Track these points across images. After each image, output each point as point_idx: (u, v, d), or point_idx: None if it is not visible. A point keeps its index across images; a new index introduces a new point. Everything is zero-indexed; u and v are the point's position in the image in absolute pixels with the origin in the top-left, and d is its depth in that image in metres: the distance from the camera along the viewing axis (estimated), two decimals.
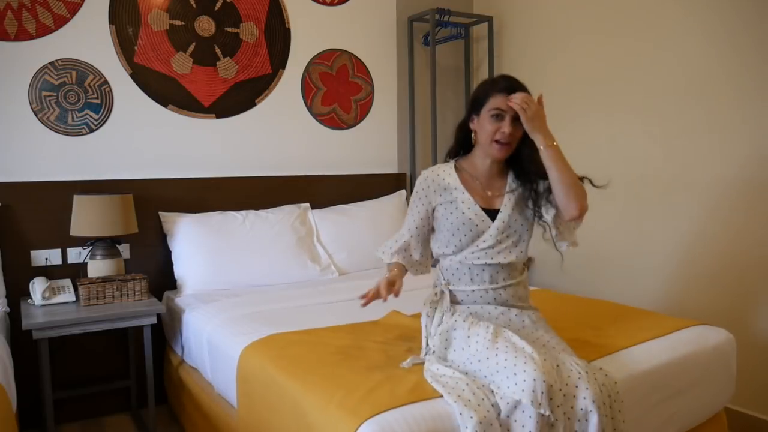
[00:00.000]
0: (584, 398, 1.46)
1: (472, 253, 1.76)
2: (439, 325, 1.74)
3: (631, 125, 2.93)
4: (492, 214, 1.78)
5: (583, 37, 3.15)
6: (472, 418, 1.37)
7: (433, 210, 1.84)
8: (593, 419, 1.45)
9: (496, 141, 1.75)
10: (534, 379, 1.42)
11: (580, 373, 1.50)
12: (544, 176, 1.75)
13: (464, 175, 1.84)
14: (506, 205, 1.79)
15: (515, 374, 1.45)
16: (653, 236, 2.87)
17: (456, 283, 1.80)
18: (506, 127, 1.73)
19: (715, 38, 2.57)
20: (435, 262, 1.92)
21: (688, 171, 2.71)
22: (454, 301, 1.80)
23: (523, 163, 1.80)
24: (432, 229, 1.88)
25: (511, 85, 1.74)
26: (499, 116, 1.73)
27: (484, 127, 1.76)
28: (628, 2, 2.92)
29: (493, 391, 1.47)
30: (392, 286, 1.72)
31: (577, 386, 1.48)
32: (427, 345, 1.75)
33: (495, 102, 1.74)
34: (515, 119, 1.73)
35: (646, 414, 1.75)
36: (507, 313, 1.76)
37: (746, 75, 2.47)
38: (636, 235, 2.95)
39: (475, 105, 1.80)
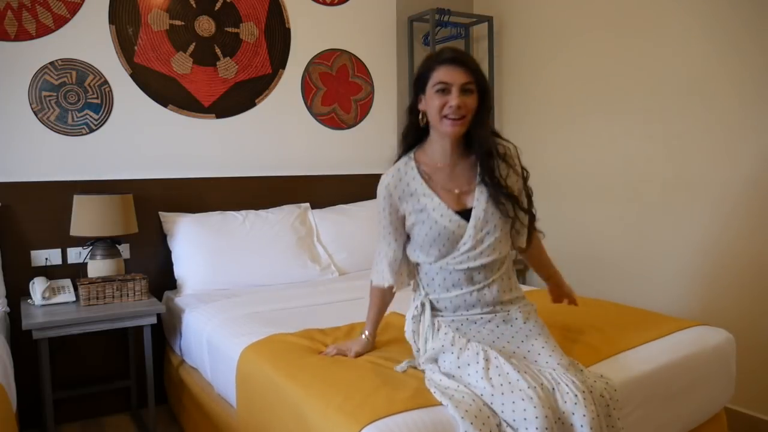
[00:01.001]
0: (581, 426, 1.41)
1: (454, 258, 1.65)
2: (425, 342, 1.66)
3: (632, 125, 2.93)
4: (466, 213, 1.66)
5: (583, 36, 3.14)
6: None
7: (403, 216, 1.72)
8: None
9: (446, 116, 1.60)
10: (537, 417, 1.37)
11: (576, 395, 1.44)
12: (493, 160, 1.65)
13: (427, 170, 1.70)
14: (479, 199, 1.66)
15: (525, 419, 1.39)
16: (653, 236, 2.87)
17: (436, 290, 1.70)
18: (454, 99, 1.58)
19: (715, 37, 2.57)
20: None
21: (688, 171, 2.71)
22: (435, 310, 1.70)
23: (474, 143, 1.67)
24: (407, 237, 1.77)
25: (455, 56, 1.61)
26: (445, 90, 1.59)
27: (431, 104, 1.62)
28: (628, 2, 2.91)
29: (496, 414, 1.43)
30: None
31: (573, 413, 1.42)
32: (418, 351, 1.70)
33: (438, 75, 1.60)
34: (465, 90, 1.59)
35: (647, 415, 1.75)
36: (494, 320, 1.66)
37: (748, 74, 2.47)
38: (636, 235, 2.95)
39: (419, 83, 1.66)
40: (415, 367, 1.68)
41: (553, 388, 1.46)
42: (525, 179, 1.76)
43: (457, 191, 1.69)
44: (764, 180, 2.45)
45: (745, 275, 2.53)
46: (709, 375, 1.97)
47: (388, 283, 1.76)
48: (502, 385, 1.45)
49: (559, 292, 1.98)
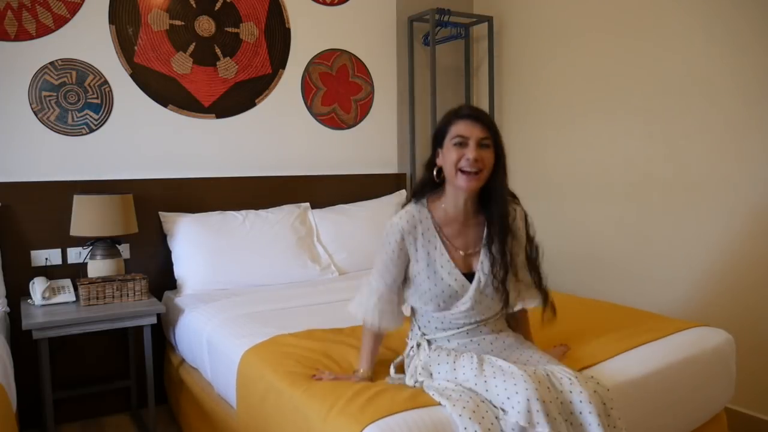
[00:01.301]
0: (580, 402, 1.45)
1: (452, 313, 1.69)
2: (419, 361, 1.68)
3: (632, 125, 2.93)
4: (470, 275, 1.69)
5: (584, 36, 3.14)
6: (476, 430, 1.37)
7: (408, 261, 1.71)
8: (593, 420, 1.45)
9: (461, 170, 1.60)
10: (528, 399, 1.40)
11: (570, 378, 1.49)
12: (506, 225, 1.67)
13: (439, 222, 1.71)
14: (483, 263, 1.68)
15: (508, 398, 1.42)
16: (653, 236, 2.87)
17: (433, 332, 1.73)
18: (471, 152, 1.58)
19: (717, 36, 2.57)
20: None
21: (688, 171, 2.71)
22: (430, 344, 1.72)
23: (491, 204, 1.67)
24: (405, 279, 1.75)
25: (473, 112, 1.63)
26: (462, 143, 1.60)
27: (448, 157, 1.62)
28: (628, 2, 2.91)
29: (495, 407, 1.45)
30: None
31: (571, 391, 1.47)
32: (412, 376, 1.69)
33: (457, 129, 1.61)
34: (482, 145, 1.60)
35: (648, 416, 1.75)
36: (485, 342, 1.70)
37: (751, 73, 2.46)
38: (636, 235, 2.95)
39: (438, 137, 1.68)
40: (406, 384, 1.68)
41: (548, 374, 1.51)
42: (532, 243, 1.75)
43: (462, 253, 1.70)
44: (765, 180, 2.45)
45: (745, 276, 2.53)
46: (709, 376, 1.97)
47: (374, 325, 1.73)
48: (494, 372, 1.50)
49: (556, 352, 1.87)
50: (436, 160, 1.69)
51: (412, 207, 1.73)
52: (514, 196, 1.74)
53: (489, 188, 1.66)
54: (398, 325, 1.77)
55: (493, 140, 1.63)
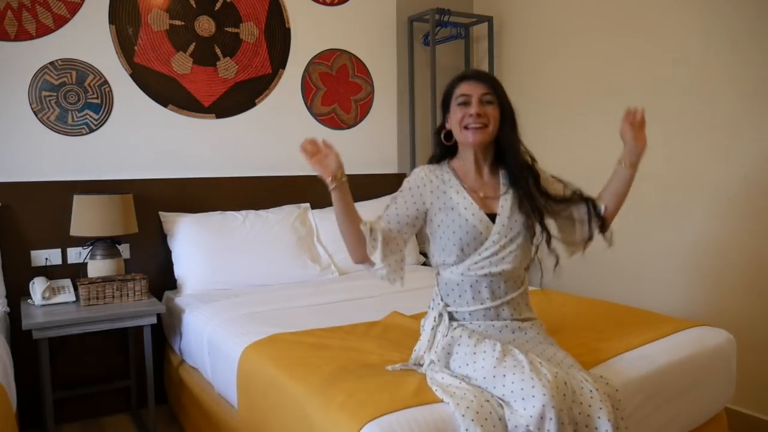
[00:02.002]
0: (599, 418, 1.42)
1: (476, 262, 1.66)
2: (442, 338, 1.65)
3: None
4: (491, 218, 1.69)
5: (583, 36, 3.14)
6: None
7: (425, 212, 1.72)
8: None
9: (467, 127, 1.66)
10: (543, 405, 1.37)
11: (592, 391, 1.45)
12: (526, 172, 1.71)
13: (457, 171, 1.76)
14: (503, 207, 1.69)
15: (523, 399, 1.40)
16: (653, 236, 2.87)
17: (455, 302, 1.71)
18: (473, 108, 1.64)
19: (715, 37, 2.57)
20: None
21: (688, 171, 2.71)
22: (453, 320, 1.71)
23: (504, 155, 1.72)
24: (422, 235, 1.76)
25: (475, 73, 1.70)
26: (466, 102, 1.66)
27: (454, 118, 1.69)
28: (628, 2, 2.91)
29: (501, 406, 1.43)
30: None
31: (590, 405, 1.43)
32: (422, 355, 1.69)
33: (460, 89, 1.68)
34: (485, 102, 1.66)
35: (648, 417, 1.75)
36: (507, 330, 1.68)
37: (748, 74, 2.46)
38: (636, 235, 2.94)
39: (444, 102, 1.74)
40: (410, 369, 1.68)
41: (566, 383, 1.47)
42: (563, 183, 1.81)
43: (482, 195, 1.72)
44: (764, 180, 2.45)
45: (745, 275, 2.53)
46: (709, 375, 1.97)
47: (376, 259, 1.67)
48: (515, 367, 1.47)
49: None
50: (445, 125, 1.75)
51: (432, 164, 1.79)
52: (533, 159, 1.76)
53: (501, 144, 1.71)
54: (399, 271, 1.69)
55: (496, 96, 1.67)
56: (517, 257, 1.69)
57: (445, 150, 1.79)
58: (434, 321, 1.70)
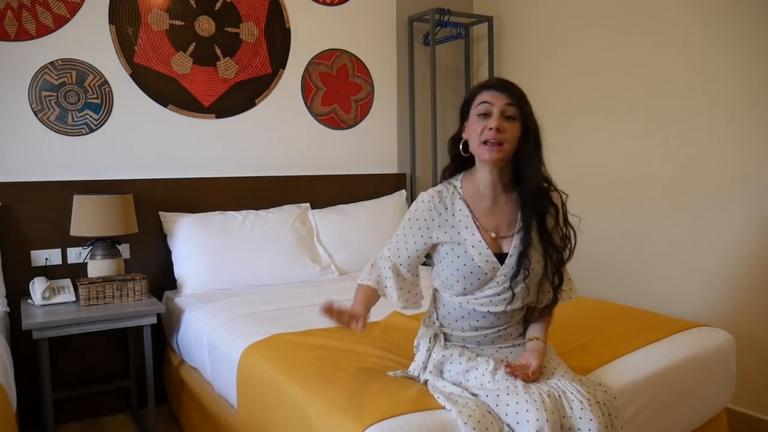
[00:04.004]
0: (589, 430, 1.41)
1: (476, 299, 1.60)
2: (435, 356, 1.61)
3: (632, 125, 2.93)
4: (500, 256, 1.58)
5: (583, 36, 3.14)
6: None
7: (434, 244, 1.63)
8: None
9: (484, 142, 1.52)
10: (537, 419, 1.37)
11: (582, 402, 1.44)
12: (542, 198, 1.57)
13: (470, 199, 1.62)
14: (516, 247, 1.58)
15: (518, 423, 1.39)
16: (653, 236, 2.87)
17: (451, 325, 1.65)
18: (493, 121, 1.50)
19: (717, 35, 2.56)
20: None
21: (688, 171, 2.71)
22: (447, 340, 1.67)
23: (520, 178, 1.57)
24: (427, 259, 1.68)
25: (500, 83, 1.55)
26: (486, 114, 1.52)
27: (473, 129, 1.55)
28: (628, 1, 2.91)
29: (500, 419, 1.43)
30: (358, 319, 1.50)
31: (581, 417, 1.42)
32: (417, 375, 1.64)
33: (482, 97, 1.54)
34: (507, 117, 1.51)
35: (648, 417, 1.75)
36: (503, 350, 1.65)
37: (752, 72, 2.46)
38: (636, 235, 2.95)
39: (464, 109, 1.61)
40: (410, 378, 1.66)
41: (560, 396, 1.46)
42: (565, 234, 1.64)
43: (494, 235, 1.60)
44: (765, 179, 2.45)
45: (745, 276, 2.53)
46: (709, 376, 1.97)
47: (384, 294, 1.62)
48: (508, 387, 1.46)
49: (524, 361, 1.58)
50: (462, 134, 1.62)
51: (442, 186, 1.66)
52: (549, 182, 1.62)
53: (519, 164, 1.57)
54: (418, 302, 1.66)
55: (520, 112, 1.53)
56: (519, 299, 1.61)
57: (461, 161, 1.66)
58: (429, 343, 1.65)
